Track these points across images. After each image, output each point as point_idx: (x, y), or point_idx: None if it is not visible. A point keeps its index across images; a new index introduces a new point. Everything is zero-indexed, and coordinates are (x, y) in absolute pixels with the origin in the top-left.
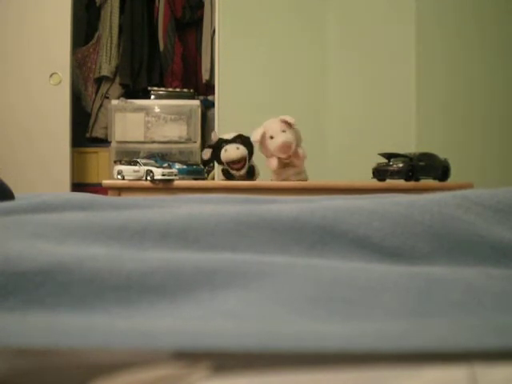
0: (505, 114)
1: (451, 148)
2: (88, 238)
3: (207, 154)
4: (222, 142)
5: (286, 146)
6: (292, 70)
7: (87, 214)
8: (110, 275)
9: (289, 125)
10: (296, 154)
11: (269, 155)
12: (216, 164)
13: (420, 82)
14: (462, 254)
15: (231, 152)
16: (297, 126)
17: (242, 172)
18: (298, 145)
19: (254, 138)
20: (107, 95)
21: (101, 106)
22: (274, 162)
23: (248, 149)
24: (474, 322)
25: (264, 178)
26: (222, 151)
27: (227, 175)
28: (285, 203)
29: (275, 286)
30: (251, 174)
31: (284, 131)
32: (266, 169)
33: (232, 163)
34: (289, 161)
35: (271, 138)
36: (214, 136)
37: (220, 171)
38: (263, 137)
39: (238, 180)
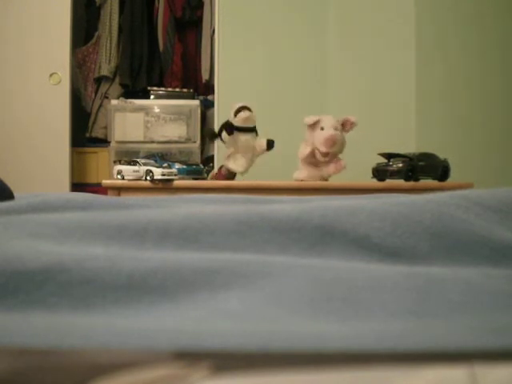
0: (504, 114)
1: (451, 148)
2: (88, 237)
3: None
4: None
5: (330, 141)
6: (292, 70)
7: (87, 213)
8: (109, 275)
9: (343, 126)
10: (337, 162)
11: (309, 144)
12: (215, 163)
13: (420, 82)
14: (462, 254)
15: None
16: (346, 135)
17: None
18: (340, 151)
19: (307, 122)
20: (107, 95)
21: (100, 105)
22: (305, 151)
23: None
24: (474, 322)
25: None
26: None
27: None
28: (285, 203)
29: (275, 286)
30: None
31: (336, 129)
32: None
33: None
34: (323, 161)
35: (321, 129)
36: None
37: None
38: (315, 125)
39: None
